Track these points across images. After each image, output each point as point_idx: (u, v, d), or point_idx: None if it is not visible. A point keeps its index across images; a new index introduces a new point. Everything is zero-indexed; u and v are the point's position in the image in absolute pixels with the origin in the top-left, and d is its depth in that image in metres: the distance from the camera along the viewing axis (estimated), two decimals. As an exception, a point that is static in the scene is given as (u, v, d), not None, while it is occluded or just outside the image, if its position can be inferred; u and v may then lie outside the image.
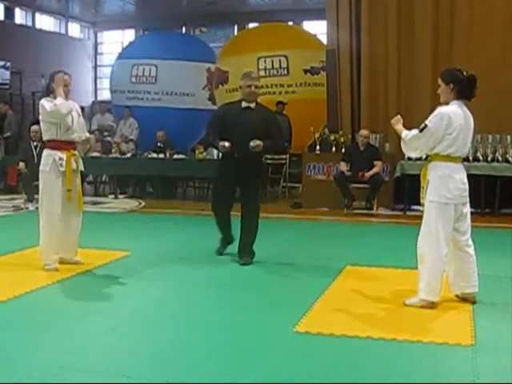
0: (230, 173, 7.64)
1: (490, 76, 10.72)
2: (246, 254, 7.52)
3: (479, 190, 11.08)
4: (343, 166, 11.67)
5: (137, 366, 4.21)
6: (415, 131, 5.78)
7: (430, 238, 5.59)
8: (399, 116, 6.16)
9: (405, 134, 5.90)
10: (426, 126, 5.66)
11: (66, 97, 6.94)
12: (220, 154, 8.24)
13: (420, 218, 5.74)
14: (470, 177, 5.80)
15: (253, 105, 7.66)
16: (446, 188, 5.58)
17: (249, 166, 7.53)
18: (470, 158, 11.32)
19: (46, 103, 6.81)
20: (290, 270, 7.21)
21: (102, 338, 4.75)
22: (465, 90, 5.71)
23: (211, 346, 4.58)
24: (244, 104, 7.66)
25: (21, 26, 26.85)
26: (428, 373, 4.16)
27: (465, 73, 5.73)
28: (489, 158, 11.55)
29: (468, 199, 5.75)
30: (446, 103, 5.75)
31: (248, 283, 6.53)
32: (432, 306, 5.55)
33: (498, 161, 11.54)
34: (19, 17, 27.17)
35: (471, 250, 5.76)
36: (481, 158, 11.57)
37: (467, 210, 5.74)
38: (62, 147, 6.85)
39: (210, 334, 4.85)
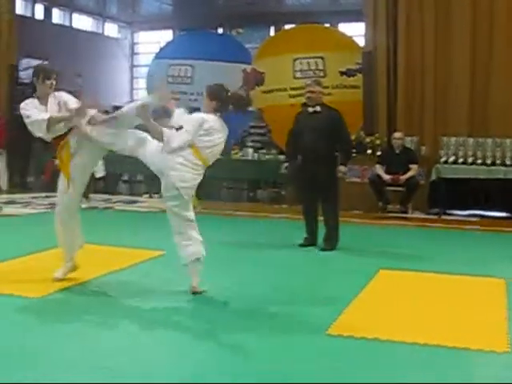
0: (307, 176, 8.27)
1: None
2: (326, 244, 8.31)
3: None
4: (379, 169, 11.62)
5: (164, 366, 4.24)
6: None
7: None
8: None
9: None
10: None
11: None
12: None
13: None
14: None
15: (318, 108, 8.13)
16: None
17: (322, 168, 8.06)
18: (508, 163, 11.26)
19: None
20: (323, 272, 7.21)
21: (135, 338, 4.79)
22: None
23: (239, 351, 4.57)
24: (310, 109, 8.26)
25: (58, 25, 27.11)
26: (460, 379, 4.11)
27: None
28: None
29: None
30: None
31: (280, 286, 6.53)
32: None
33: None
34: (57, 16, 27.44)
35: None
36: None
37: None
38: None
39: (238, 339, 4.82)
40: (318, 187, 8.25)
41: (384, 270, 7.16)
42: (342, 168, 8.18)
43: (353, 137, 12.65)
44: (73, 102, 6.35)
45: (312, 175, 8.19)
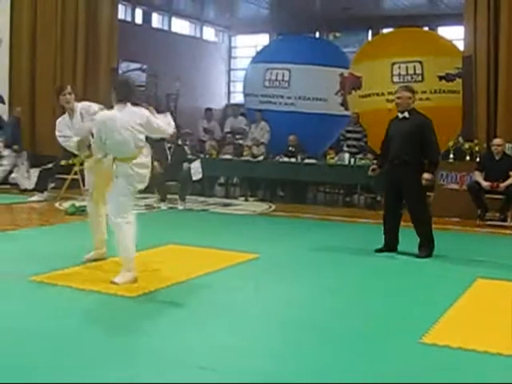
0: (392, 182, 8.26)
1: None
2: (421, 251, 8.19)
3: None
4: (478, 176, 11.41)
5: (266, 365, 4.29)
6: None
7: None
8: None
9: None
10: None
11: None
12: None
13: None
14: None
15: (406, 114, 8.17)
16: None
17: (407, 173, 8.03)
18: None
19: None
20: (418, 279, 7.13)
21: (228, 338, 4.83)
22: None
23: (334, 353, 4.59)
24: (399, 115, 8.29)
25: (157, 29, 27.61)
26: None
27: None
28: None
29: None
30: None
31: (372, 291, 6.49)
32: None
33: None
34: (156, 21, 27.96)
35: None
36: None
37: None
38: None
39: (334, 341, 4.85)
40: (403, 194, 8.19)
41: (482, 278, 7.02)
42: (426, 175, 8.00)
43: (451, 143, 12.51)
44: (94, 108, 6.81)
45: (397, 181, 8.15)
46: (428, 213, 8.40)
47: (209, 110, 17.78)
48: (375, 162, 9.12)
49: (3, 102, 16.12)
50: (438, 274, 7.37)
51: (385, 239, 8.41)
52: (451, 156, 12.41)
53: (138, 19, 26.91)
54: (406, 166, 8.05)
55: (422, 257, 8.07)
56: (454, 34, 20.31)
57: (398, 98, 8.24)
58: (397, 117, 8.41)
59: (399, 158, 8.13)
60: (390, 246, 8.37)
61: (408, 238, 8.22)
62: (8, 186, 14.44)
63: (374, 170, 8.75)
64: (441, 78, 15.46)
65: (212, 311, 5.56)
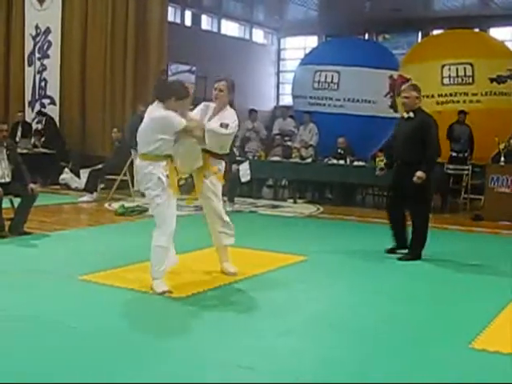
0: (396, 181, 8.20)
1: None
2: (407, 254, 8.04)
3: None
4: (529, 180, 11.26)
5: (305, 368, 4.29)
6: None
7: None
8: None
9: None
10: None
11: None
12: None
13: None
14: None
15: (411, 114, 8.08)
16: None
17: (409, 173, 7.82)
18: None
19: None
20: (468, 283, 7.06)
21: (275, 340, 4.86)
22: None
23: (379, 358, 4.58)
24: (405, 114, 8.20)
25: (207, 31, 27.78)
26: None
27: None
28: None
29: None
30: None
31: (421, 295, 6.44)
32: None
33: None
34: (205, 23, 28.12)
35: None
36: None
37: None
38: None
39: (379, 346, 4.83)
40: (405, 193, 8.03)
41: (533, 284, 6.93)
42: (418, 173, 7.76)
43: (502, 146, 12.34)
44: None
45: (400, 181, 8.06)
46: (425, 218, 8.13)
47: (253, 110, 17.78)
48: (384, 162, 8.91)
49: (54, 104, 16.37)
50: (488, 279, 7.28)
51: (394, 239, 8.32)
52: (502, 159, 12.24)
53: (188, 21, 27.11)
54: (408, 166, 7.91)
55: (405, 260, 7.93)
56: (506, 34, 20.09)
57: (406, 97, 8.10)
58: (403, 116, 8.35)
59: (402, 157, 8.08)
60: (401, 244, 8.28)
61: (453, 242, 8.13)
62: (57, 187, 14.61)
63: (381, 169, 8.69)
64: (492, 80, 15.28)
65: (261, 313, 5.60)
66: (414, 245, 8.10)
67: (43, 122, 15.98)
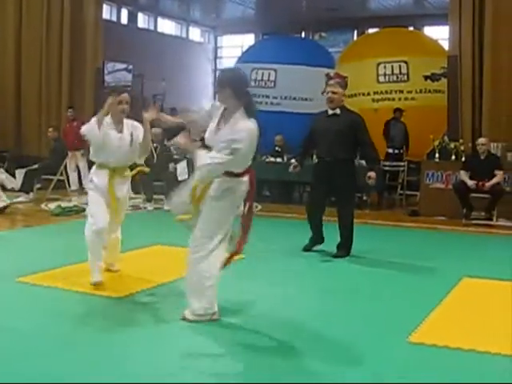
0: (321, 178, 8.03)
1: None
2: (339, 251, 8.01)
3: None
4: (463, 176, 11.40)
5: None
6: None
7: None
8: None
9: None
10: None
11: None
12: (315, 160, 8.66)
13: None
14: None
15: (338, 111, 7.88)
16: None
17: (338, 171, 7.81)
18: None
19: None
20: (405, 278, 7.14)
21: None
22: None
23: (323, 353, 4.60)
24: (329, 111, 7.98)
25: (143, 29, 27.59)
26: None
27: None
28: None
29: None
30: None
31: (360, 291, 6.49)
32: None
33: None
34: (142, 21, 27.93)
35: None
36: None
37: None
38: None
39: (322, 341, 4.87)
40: (332, 191, 8.08)
41: (468, 278, 7.03)
42: (371, 174, 7.78)
43: (436, 142, 12.52)
44: None
45: (326, 178, 7.93)
46: (353, 215, 8.15)
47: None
48: (296, 159, 8.65)
49: None
50: (425, 273, 7.37)
51: (313, 236, 8.27)
52: (437, 155, 12.42)
53: (124, 19, 26.88)
54: (337, 164, 7.82)
55: (340, 256, 7.95)
56: (440, 33, 20.40)
57: (334, 93, 7.88)
58: (325, 113, 8.11)
59: (331, 155, 7.87)
60: (317, 241, 8.28)
61: (389, 238, 8.22)
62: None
63: (295, 167, 8.40)
64: (426, 77, 15.53)
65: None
66: (345, 241, 8.05)
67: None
